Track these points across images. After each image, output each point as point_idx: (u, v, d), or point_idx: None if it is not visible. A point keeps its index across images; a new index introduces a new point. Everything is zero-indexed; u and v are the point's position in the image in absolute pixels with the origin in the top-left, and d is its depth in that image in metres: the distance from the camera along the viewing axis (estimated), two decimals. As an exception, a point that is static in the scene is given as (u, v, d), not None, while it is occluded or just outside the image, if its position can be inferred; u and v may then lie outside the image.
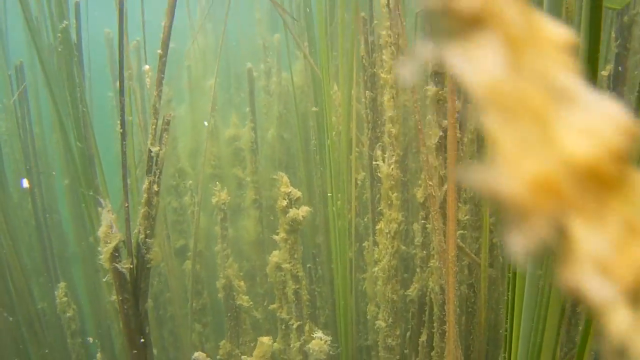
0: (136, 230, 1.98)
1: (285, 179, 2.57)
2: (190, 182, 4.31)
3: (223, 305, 3.00)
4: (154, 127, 1.93)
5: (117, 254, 1.93)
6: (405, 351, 2.85)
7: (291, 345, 2.88)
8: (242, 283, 2.92)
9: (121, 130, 1.95)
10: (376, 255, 2.56)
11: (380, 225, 2.52)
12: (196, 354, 2.32)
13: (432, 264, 2.37)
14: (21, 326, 3.65)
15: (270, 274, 2.84)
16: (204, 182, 4.44)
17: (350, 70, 2.97)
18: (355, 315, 3.21)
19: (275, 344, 2.98)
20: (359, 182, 3.17)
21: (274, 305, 2.93)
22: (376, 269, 2.58)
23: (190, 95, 5.11)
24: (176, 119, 4.74)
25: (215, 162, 4.50)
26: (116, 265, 1.92)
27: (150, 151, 1.92)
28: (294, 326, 2.82)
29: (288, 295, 2.80)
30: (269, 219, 4.26)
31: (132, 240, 1.98)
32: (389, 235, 2.48)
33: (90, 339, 3.76)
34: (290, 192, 2.57)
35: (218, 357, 3.01)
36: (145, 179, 1.95)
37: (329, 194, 3.09)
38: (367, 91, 2.86)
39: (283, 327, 2.94)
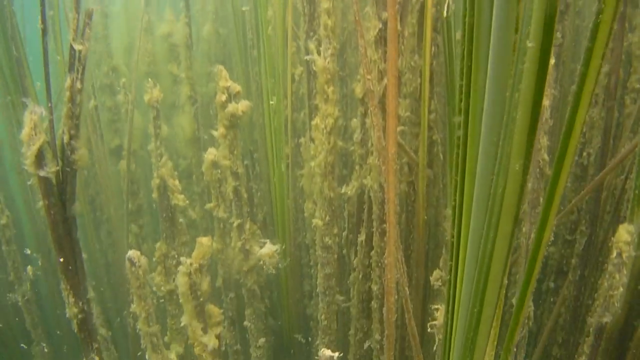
0: (60, 131, 1.90)
1: (225, 72, 2.48)
2: (124, 80, 4.20)
3: (158, 205, 2.92)
4: (75, 22, 1.83)
5: (41, 158, 1.85)
6: (343, 251, 2.83)
7: (232, 245, 2.84)
8: (176, 182, 2.84)
9: (42, 27, 1.85)
10: (312, 152, 2.49)
11: (316, 121, 2.45)
12: (130, 252, 2.26)
13: (370, 162, 2.31)
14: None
15: (207, 172, 2.78)
16: (138, 79, 4.33)
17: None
18: (293, 213, 3.17)
19: (213, 243, 2.94)
20: (296, 77, 3.10)
21: (211, 205, 2.88)
22: (312, 164, 2.52)
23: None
24: (111, 16, 4.57)
25: (150, 59, 4.36)
26: (40, 169, 1.85)
27: (72, 48, 1.82)
28: (234, 225, 2.77)
29: (226, 193, 2.74)
30: (205, 115, 4.18)
31: (57, 142, 1.90)
32: (325, 131, 2.42)
33: (28, 251, 3.67)
34: (229, 86, 2.49)
35: (154, 259, 2.96)
36: (67, 76, 1.86)
37: (264, 90, 3.02)
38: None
39: (221, 226, 2.89)
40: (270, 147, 2.98)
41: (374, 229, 2.38)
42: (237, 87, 2.47)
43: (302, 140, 2.97)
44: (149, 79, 2.90)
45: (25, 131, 1.81)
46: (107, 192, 3.96)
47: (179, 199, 2.84)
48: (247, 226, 2.76)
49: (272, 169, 2.90)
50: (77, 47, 1.82)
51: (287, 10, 2.97)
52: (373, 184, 2.31)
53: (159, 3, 5.07)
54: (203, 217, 3.71)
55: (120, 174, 3.94)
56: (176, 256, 2.90)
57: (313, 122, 2.44)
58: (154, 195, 2.92)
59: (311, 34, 2.69)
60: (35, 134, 1.81)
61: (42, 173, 1.85)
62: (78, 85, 1.85)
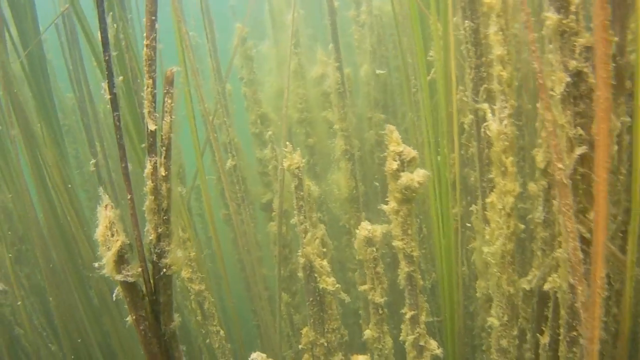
0: (146, 229, 1.49)
1: (396, 134, 2.04)
2: (272, 130, 3.84)
3: (304, 287, 2.51)
4: (150, 89, 1.42)
5: (122, 262, 1.43)
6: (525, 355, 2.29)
7: (401, 339, 2.37)
8: (325, 262, 2.41)
9: (110, 96, 1.43)
10: (487, 236, 1.99)
11: (492, 199, 1.94)
12: (254, 355, 1.82)
13: (558, 253, 1.77)
14: None
15: (360, 250, 2.35)
16: (289, 128, 3.95)
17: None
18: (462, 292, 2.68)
19: (368, 331, 2.50)
20: (465, 126, 2.63)
21: (365, 287, 2.43)
22: (486, 250, 2.01)
23: (273, 31, 4.55)
24: (258, 58, 4.19)
25: (302, 106, 3.94)
26: (122, 276, 1.43)
27: (147, 124, 1.41)
28: (407, 316, 2.29)
29: (400, 279, 2.28)
30: (364, 166, 3.78)
31: (143, 243, 1.49)
32: (503, 212, 1.91)
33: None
34: (402, 151, 2.03)
35: (300, 346, 2.61)
36: (147, 160, 1.44)
37: (426, 142, 2.58)
38: (466, 20, 2.27)
39: (378, 312, 2.43)
40: (435, 213, 2.50)
41: (561, 336, 1.84)
42: (411, 153, 2.01)
43: (473, 207, 2.46)
44: (287, 143, 2.49)
45: (100, 230, 1.40)
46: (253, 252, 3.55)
47: (328, 283, 2.41)
48: (423, 317, 2.28)
49: (439, 249, 2.42)
50: (151, 126, 1.41)
51: (449, 52, 2.48)
52: (561, 283, 1.78)
53: (309, 43, 4.69)
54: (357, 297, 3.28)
55: (270, 237, 3.54)
56: (326, 344, 2.49)
57: (488, 200, 1.95)
58: (300, 274, 2.52)
59: (479, 82, 2.20)
60: (112, 234, 1.39)
61: (121, 278, 1.43)
62: (162, 171, 1.43)
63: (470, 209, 2.54)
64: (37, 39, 3.28)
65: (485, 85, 2.16)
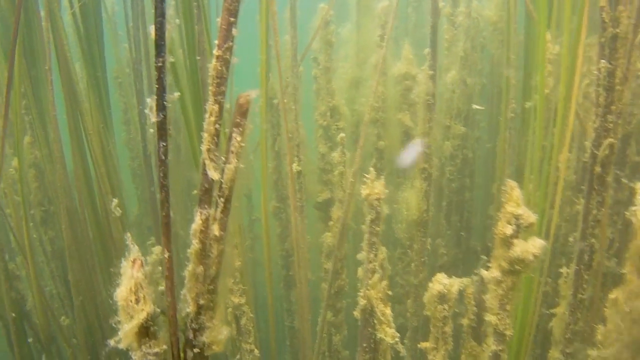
0: (182, 295, 1.15)
1: (517, 193, 1.69)
2: (342, 125, 3.51)
3: (359, 332, 2.19)
4: (212, 118, 1.08)
5: (146, 335, 1.10)
6: None
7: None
8: (388, 310, 2.08)
9: (158, 119, 1.10)
10: (599, 336, 1.64)
11: (617, 295, 1.59)
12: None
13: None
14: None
15: (429, 305, 2.02)
16: (361, 127, 3.62)
17: (580, 21, 2.05)
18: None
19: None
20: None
21: (426, 344, 2.09)
22: (595, 353, 1.65)
23: (357, 14, 4.19)
24: (338, 40, 3.83)
25: (378, 104, 3.60)
26: (143, 353, 1.10)
27: (205, 167, 1.08)
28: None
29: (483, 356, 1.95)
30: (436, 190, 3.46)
31: (177, 315, 1.15)
32: (628, 317, 1.54)
33: None
34: (520, 214, 1.68)
35: None
36: (196, 213, 1.11)
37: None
38: (602, 60, 1.90)
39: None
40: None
41: None
42: (530, 217, 1.66)
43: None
44: (370, 169, 2.16)
45: (122, 293, 1.06)
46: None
47: (387, 334, 2.09)
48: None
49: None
50: (211, 172, 1.07)
51: (571, 87, 2.12)
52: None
53: (395, 35, 4.32)
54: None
55: (323, 247, 3.22)
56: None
57: (611, 295, 1.59)
58: (356, 314, 2.21)
59: (603, 134, 1.84)
60: (137, 300, 1.05)
61: (140, 357, 1.10)
62: (215, 229, 1.09)
63: (561, 271, 2.18)
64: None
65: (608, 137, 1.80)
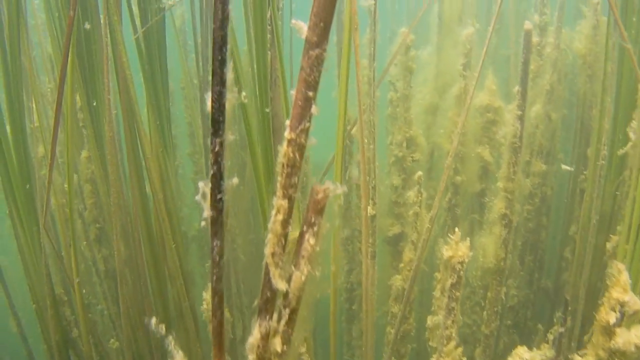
0: None
1: (624, 277, 1.51)
2: (418, 157, 3.34)
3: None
4: (280, 217, 0.91)
5: None
6: None
7: None
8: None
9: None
10: None
11: None
12: None
13: None
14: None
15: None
16: (439, 160, 3.44)
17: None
18: None
19: None
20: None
21: None
22: None
23: (438, 36, 4.00)
24: (418, 64, 3.65)
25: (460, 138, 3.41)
26: None
27: (271, 276, 0.90)
28: None
29: None
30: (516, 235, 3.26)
31: None
32: None
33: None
34: (627, 301, 1.50)
35: None
36: (254, 324, 0.93)
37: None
38: None
39: None
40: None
41: None
42: (636, 305, 1.46)
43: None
44: (456, 229, 1.97)
45: None
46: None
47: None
48: None
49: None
50: (278, 284, 0.90)
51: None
52: None
53: (477, 62, 4.14)
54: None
55: (392, 290, 3.05)
56: None
57: None
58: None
59: None
60: None
61: None
62: (276, 344, 0.94)
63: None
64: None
65: None
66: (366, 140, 2.94)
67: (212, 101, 1.05)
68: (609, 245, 3.01)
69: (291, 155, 1.04)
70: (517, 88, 2.78)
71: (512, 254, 3.27)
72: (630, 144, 2.57)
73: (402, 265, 2.96)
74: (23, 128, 2.90)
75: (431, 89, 3.87)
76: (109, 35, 2.64)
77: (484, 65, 3.79)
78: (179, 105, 4.34)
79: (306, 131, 1.04)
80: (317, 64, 1.02)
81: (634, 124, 2.54)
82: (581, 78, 3.56)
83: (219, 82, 1.04)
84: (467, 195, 3.53)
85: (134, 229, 2.93)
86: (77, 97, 2.91)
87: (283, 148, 1.06)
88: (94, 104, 2.92)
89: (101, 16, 2.69)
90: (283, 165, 1.05)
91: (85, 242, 3.34)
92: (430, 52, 3.97)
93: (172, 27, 3.86)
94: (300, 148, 1.04)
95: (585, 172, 3.51)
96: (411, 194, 2.87)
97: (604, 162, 2.80)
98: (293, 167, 1.05)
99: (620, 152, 2.75)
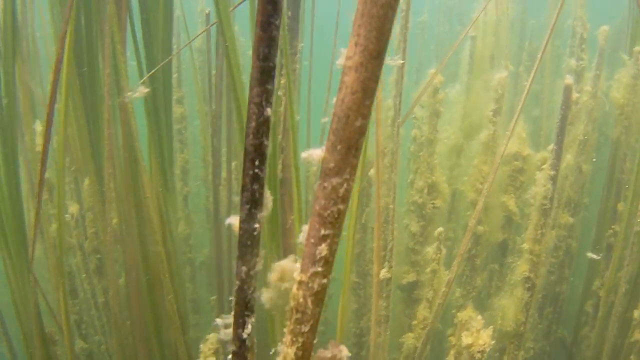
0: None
1: None
2: (439, 204, 3.18)
3: None
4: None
5: None
6: None
7: None
8: None
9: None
10: None
11: None
12: None
13: None
14: None
15: None
16: (459, 204, 3.28)
17: None
18: None
19: None
20: None
21: None
22: None
23: (468, 77, 3.83)
24: (445, 103, 3.47)
25: (482, 186, 3.25)
26: None
27: None
28: None
29: None
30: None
31: None
32: None
33: None
34: None
35: None
36: None
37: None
38: None
39: None
40: None
41: None
42: None
43: None
44: (479, 317, 1.81)
45: None
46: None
47: None
48: None
49: None
50: None
51: None
52: None
53: (508, 105, 3.96)
54: None
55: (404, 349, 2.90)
56: None
57: None
58: None
59: None
60: None
61: None
62: None
63: None
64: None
65: None
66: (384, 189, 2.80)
67: (241, 221, 0.90)
68: (636, 314, 2.86)
69: (301, 300, 0.89)
70: (552, 146, 2.61)
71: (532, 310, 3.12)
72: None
73: (415, 322, 2.81)
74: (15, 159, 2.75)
75: (457, 130, 3.70)
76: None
77: (513, 111, 3.63)
78: (194, 128, 4.23)
79: (320, 275, 0.88)
80: (335, 196, 0.86)
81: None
82: (617, 129, 3.39)
83: (249, 201, 0.88)
84: (488, 246, 3.36)
85: (130, 268, 2.80)
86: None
87: (293, 291, 0.90)
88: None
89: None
90: (292, 311, 0.90)
91: (84, 275, 3.21)
92: (459, 91, 3.79)
93: (189, 50, 3.73)
94: (312, 294, 0.89)
95: (613, 227, 3.35)
96: (430, 250, 2.71)
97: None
98: (304, 314, 0.89)
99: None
